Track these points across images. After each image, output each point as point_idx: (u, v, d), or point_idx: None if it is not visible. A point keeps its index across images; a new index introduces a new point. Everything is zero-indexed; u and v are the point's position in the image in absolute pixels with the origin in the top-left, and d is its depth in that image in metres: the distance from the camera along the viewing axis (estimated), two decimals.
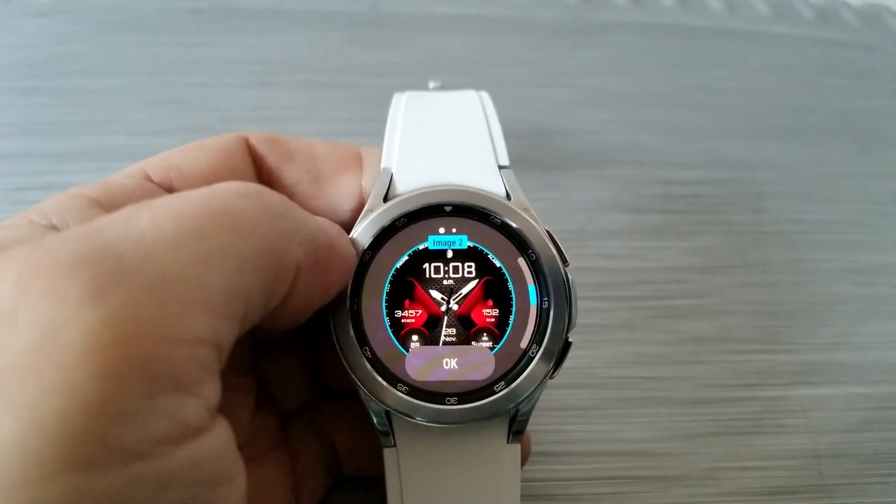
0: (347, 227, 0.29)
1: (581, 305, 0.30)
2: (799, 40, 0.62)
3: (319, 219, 0.26)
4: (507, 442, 0.29)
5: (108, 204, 0.25)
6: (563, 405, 0.39)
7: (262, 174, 0.31)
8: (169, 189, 0.27)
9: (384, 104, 0.35)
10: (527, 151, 0.51)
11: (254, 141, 0.30)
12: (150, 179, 0.27)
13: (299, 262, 0.23)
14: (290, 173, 0.31)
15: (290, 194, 0.30)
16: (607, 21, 0.62)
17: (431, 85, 0.38)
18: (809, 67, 0.60)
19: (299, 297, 0.24)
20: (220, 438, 0.21)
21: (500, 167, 0.31)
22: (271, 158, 0.31)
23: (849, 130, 0.55)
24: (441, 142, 0.32)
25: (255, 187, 0.24)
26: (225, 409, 0.29)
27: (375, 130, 0.38)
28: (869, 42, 0.63)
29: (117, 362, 0.18)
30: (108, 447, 0.18)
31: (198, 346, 0.20)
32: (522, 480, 0.29)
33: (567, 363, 0.29)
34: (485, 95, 0.34)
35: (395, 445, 0.29)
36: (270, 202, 0.23)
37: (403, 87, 0.35)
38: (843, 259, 0.47)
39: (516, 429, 0.29)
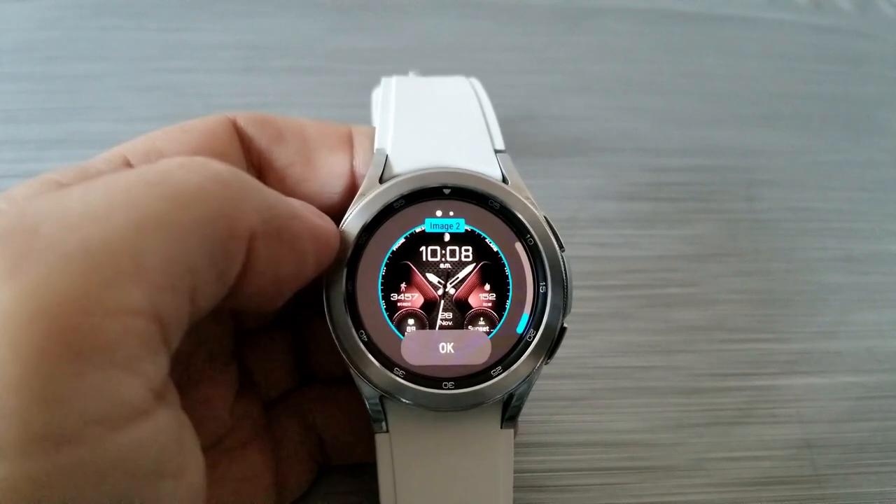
0: (340, 208, 0.29)
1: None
2: (792, 27, 0.62)
3: (285, 197, 0.25)
4: (501, 427, 0.29)
5: None
6: (553, 395, 0.38)
7: (252, 156, 0.30)
8: None
9: (371, 90, 0.34)
10: (517, 138, 0.50)
11: (242, 122, 0.29)
12: (129, 163, 0.26)
13: (253, 231, 0.22)
14: (280, 155, 0.30)
15: (281, 176, 0.30)
16: (599, 7, 0.61)
17: (412, 74, 0.37)
18: (803, 54, 0.60)
19: (265, 269, 0.23)
20: (166, 423, 0.20)
21: (496, 151, 0.30)
22: (261, 140, 0.30)
23: (842, 117, 0.55)
24: (435, 124, 0.31)
25: (199, 159, 0.23)
26: (205, 397, 0.28)
27: (362, 117, 0.37)
28: (862, 29, 0.63)
29: (36, 338, 0.17)
30: (32, 432, 0.16)
31: (133, 318, 0.18)
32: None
33: (558, 352, 0.29)
34: (475, 81, 0.34)
35: (387, 431, 0.28)
36: (216, 170, 0.22)
37: (391, 73, 0.35)
38: (835, 247, 0.47)
39: (510, 414, 0.29)
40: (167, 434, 0.20)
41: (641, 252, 0.45)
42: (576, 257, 0.43)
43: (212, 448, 0.28)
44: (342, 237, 0.28)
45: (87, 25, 0.55)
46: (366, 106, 0.44)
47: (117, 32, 0.55)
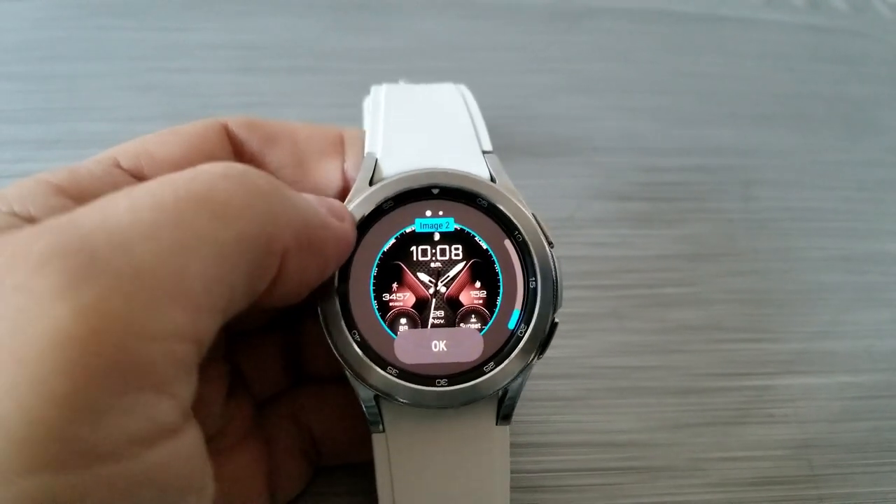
0: None
1: (568, 294, 0.30)
2: (789, 27, 0.62)
3: (310, 197, 0.26)
4: (496, 425, 0.29)
5: (74, 190, 0.24)
6: (549, 395, 0.38)
7: (243, 159, 0.30)
8: (139, 176, 0.26)
9: (368, 89, 0.34)
10: (514, 138, 0.50)
11: (233, 126, 0.30)
12: (119, 166, 0.26)
13: (287, 246, 0.23)
14: (272, 158, 0.30)
15: None
16: (596, 6, 0.61)
17: (401, 82, 0.38)
18: (799, 54, 0.60)
19: (291, 279, 0.24)
20: (192, 442, 0.20)
21: (484, 152, 0.31)
22: (252, 143, 0.30)
23: (839, 117, 0.55)
24: (424, 128, 0.32)
25: (239, 167, 0.23)
26: (198, 398, 0.28)
27: (359, 117, 0.37)
28: (859, 28, 0.63)
29: (85, 358, 0.17)
30: (72, 447, 0.17)
31: (175, 342, 0.19)
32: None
33: (554, 353, 0.29)
34: (464, 87, 0.34)
35: (383, 431, 0.28)
36: (256, 183, 0.23)
37: (388, 73, 0.35)
38: (833, 247, 0.47)
39: (504, 413, 0.29)
40: (193, 451, 0.20)
41: (638, 252, 0.45)
42: (572, 257, 0.44)
43: None
44: None
45: (85, 25, 0.55)
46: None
47: (114, 32, 0.54)
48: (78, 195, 0.23)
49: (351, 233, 0.27)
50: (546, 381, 0.39)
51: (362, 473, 0.32)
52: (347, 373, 0.28)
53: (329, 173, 0.30)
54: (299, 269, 0.24)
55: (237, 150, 0.30)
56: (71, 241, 0.19)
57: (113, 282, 0.18)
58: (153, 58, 0.53)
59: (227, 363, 0.31)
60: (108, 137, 0.28)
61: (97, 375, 0.17)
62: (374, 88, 0.34)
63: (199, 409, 0.28)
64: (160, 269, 0.19)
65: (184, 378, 0.20)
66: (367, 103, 0.35)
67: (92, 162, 0.26)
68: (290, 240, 0.23)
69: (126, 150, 0.27)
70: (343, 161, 0.30)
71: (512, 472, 0.29)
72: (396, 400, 0.27)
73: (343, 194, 0.29)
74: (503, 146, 0.31)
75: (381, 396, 0.28)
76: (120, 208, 0.20)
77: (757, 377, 0.40)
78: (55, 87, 0.51)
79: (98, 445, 0.17)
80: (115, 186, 0.22)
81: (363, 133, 0.31)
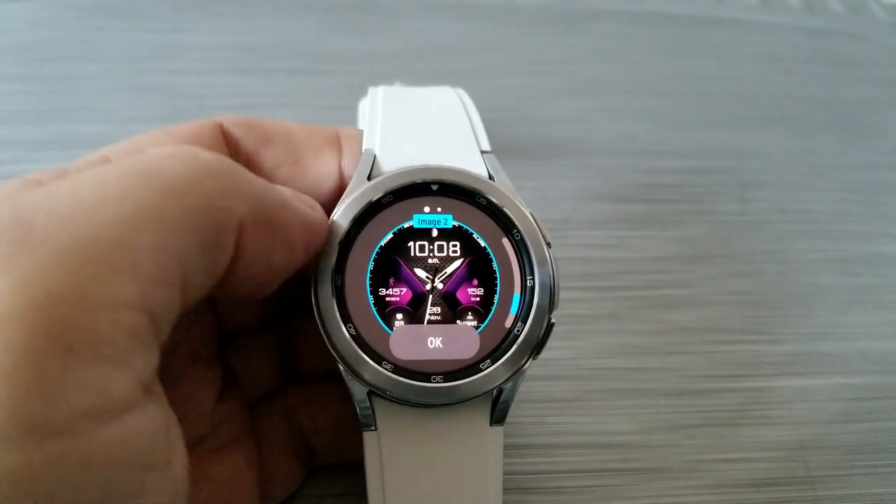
0: (328, 208, 0.29)
1: (565, 296, 0.30)
2: (785, 29, 0.62)
3: (277, 185, 0.25)
4: (490, 425, 0.29)
5: None
6: (545, 397, 0.38)
7: (239, 158, 0.30)
8: None
9: (366, 91, 0.34)
10: (511, 140, 0.50)
11: (228, 125, 0.30)
12: None
13: (243, 221, 0.22)
14: (268, 156, 0.30)
15: (269, 178, 0.30)
16: (592, 9, 0.61)
17: (398, 84, 0.38)
18: (795, 56, 0.60)
19: (255, 259, 0.23)
20: (153, 417, 0.20)
21: (483, 152, 0.31)
22: (248, 142, 0.30)
23: (835, 119, 0.55)
24: (422, 127, 0.32)
25: (188, 148, 0.23)
26: (187, 397, 0.28)
27: (356, 118, 0.37)
28: (855, 31, 0.63)
29: (28, 331, 0.17)
30: (22, 423, 0.17)
31: (123, 312, 0.19)
32: (504, 473, 0.29)
33: (550, 354, 0.29)
34: (461, 91, 0.34)
35: (375, 428, 0.28)
36: (206, 160, 0.22)
37: (386, 74, 0.35)
38: (828, 249, 0.47)
39: (498, 415, 0.29)
40: (154, 427, 0.20)
41: (635, 253, 0.45)
42: (569, 259, 0.44)
43: (194, 448, 0.28)
44: (331, 231, 0.28)
45: (81, 26, 0.55)
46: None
47: (111, 33, 0.54)
48: None
49: (321, 219, 0.27)
50: (542, 382, 0.39)
51: (357, 475, 0.32)
52: (341, 367, 0.27)
53: (325, 170, 0.30)
54: (262, 250, 0.23)
55: (232, 150, 0.30)
56: (5, 218, 0.19)
57: (53, 254, 0.18)
58: (150, 59, 0.53)
59: (219, 364, 0.31)
60: (104, 139, 0.27)
61: (41, 349, 0.17)
62: (371, 90, 0.34)
63: (190, 409, 0.28)
64: (104, 240, 0.19)
65: (138, 350, 0.19)
66: (364, 104, 0.35)
67: (83, 162, 0.25)
68: (246, 215, 0.22)
69: (117, 151, 0.26)
70: (340, 158, 0.30)
71: (507, 473, 0.29)
72: (390, 396, 0.27)
73: (340, 192, 0.29)
74: (500, 148, 0.31)
75: (375, 392, 0.27)
76: (63, 188, 0.20)
77: (753, 379, 0.40)
78: (51, 88, 0.51)
79: (49, 421, 0.17)
80: None
81: (360, 132, 0.31)
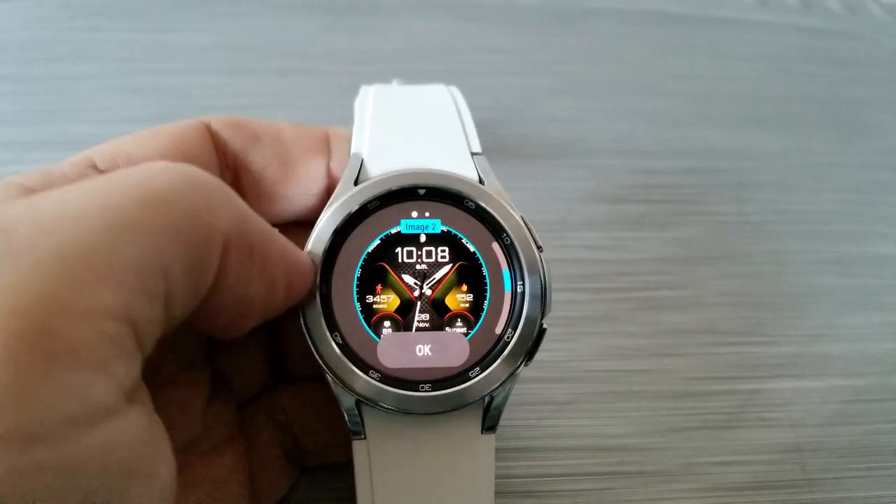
0: (316, 210, 0.29)
1: (561, 297, 0.29)
2: (782, 28, 0.62)
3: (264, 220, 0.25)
4: (481, 433, 0.28)
5: None
6: (541, 399, 0.38)
7: (227, 159, 0.30)
8: None
9: (359, 91, 0.34)
10: (507, 140, 0.50)
11: (216, 125, 0.29)
12: (94, 167, 0.26)
13: (227, 239, 0.22)
14: (256, 157, 0.30)
15: (257, 179, 0.29)
16: (590, 8, 0.61)
17: (395, 82, 0.37)
18: (793, 56, 0.60)
19: (235, 286, 0.23)
20: (136, 424, 0.20)
21: (473, 154, 0.30)
22: (236, 142, 0.29)
23: (832, 119, 0.55)
24: (412, 129, 0.31)
25: (179, 165, 0.22)
26: (176, 401, 0.28)
27: (351, 118, 0.37)
28: (852, 30, 0.63)
29: (7, 338, 0.17)
30: (2, 430, 0.16)
31: (104, 320, 0.19)
32: (499, 476, 0.29)
33: (546, 356, 0.28)
34: (454, 89, 0.34)
35: (364, 438, 0.28)
36: (195, 176, 0.22)
37: (381, 74, 0.35)
38: (826, 250, 0.47)
39: (489, 423, 0.28)
40: (138, 434, 0.20)
41: (631, 255, 0.45)
42: (565, 260, 0.44)
43: (184, 451, 0.28)
44: (316, 239, 0.27)
45: (74, 26, 0.54)
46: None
47: (104, 33, 0.54)
48: None
49: (306, 262, 0.26)
50: (538, 384, 0.38)
51: (348, 477, 0.31)
52: (328, 377, 0.27)
53: (313, 172, 0.30)
54: (243, 277, 0.23)
55: (220, 150, 0.29)
56: None
57: (32, 262, 0.18)
58: (143, 59, 0.53)
59: (208, 366, 0.30)
60: (97, 139, 0.27)
61: (21, 356, 0.17)
62: (363, 88, 0.33)
63: (180, 412, 0.28)
64: (87, 250, 0.19)
65: (120, 358, 0.19)
66: (358, 104, 0.35)
67: (67, 164, 0.25)
68: (231, 234, 0.22)
69: (103, 152, 0.26)
70: (328, 160, 0.30)
71: (502, 477, 0.29)
72: (378, 405, 0.27)
73: (328, 194, 0.29)
74: (495, 148, 0.31)
75: (363, 402, 0.27)
76: (48, 199, 0.20)
77: (750, 380, 0.40)
78: (44, 88, 0.50)
79: (30, 427, 0.17)
80: None
81: (350, 133, 0.31)
